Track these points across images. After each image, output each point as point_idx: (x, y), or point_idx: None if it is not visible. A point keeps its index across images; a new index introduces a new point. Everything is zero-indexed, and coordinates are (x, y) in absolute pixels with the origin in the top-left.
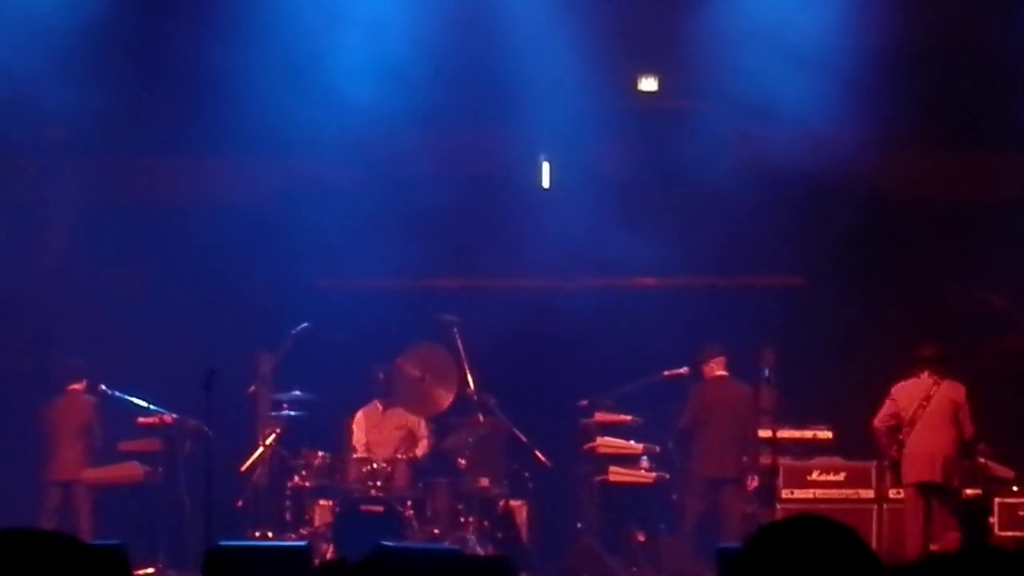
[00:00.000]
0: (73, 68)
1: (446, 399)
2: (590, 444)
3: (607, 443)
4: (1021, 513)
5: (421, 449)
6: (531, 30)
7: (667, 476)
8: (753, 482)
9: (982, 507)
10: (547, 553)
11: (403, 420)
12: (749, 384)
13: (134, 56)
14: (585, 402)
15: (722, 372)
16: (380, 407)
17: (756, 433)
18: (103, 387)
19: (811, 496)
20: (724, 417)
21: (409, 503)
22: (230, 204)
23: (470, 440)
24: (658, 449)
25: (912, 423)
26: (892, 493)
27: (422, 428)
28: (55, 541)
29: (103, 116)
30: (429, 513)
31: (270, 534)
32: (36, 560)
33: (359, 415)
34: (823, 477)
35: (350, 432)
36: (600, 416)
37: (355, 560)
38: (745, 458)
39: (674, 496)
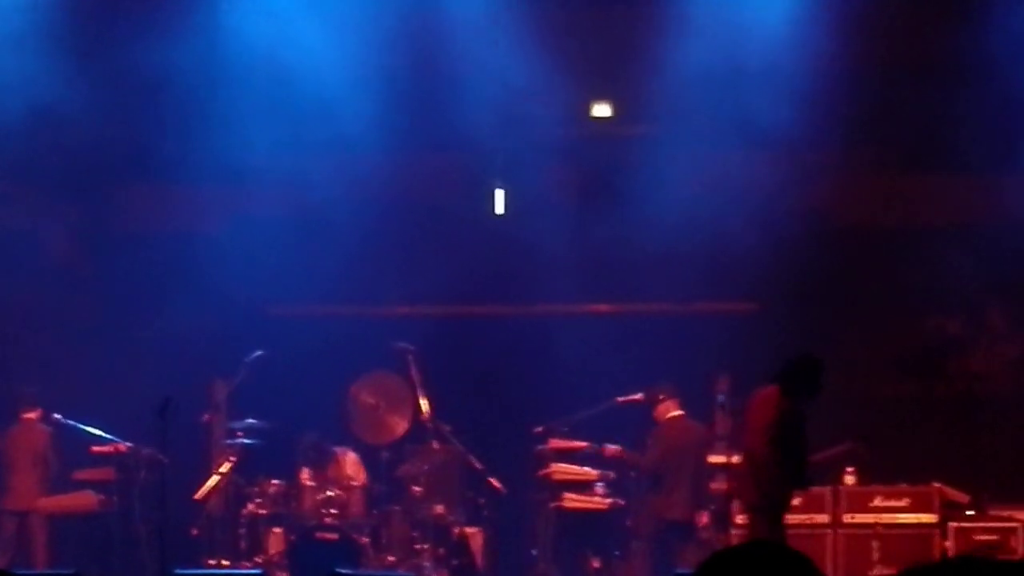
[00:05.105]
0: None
1: (401, 426)
2: (545, 471)
3: (562, 470)
4: (976, 537)
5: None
6: (485, 56)
7: (622, 502)
8: (703, 519)
9: None
10: None
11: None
12: (702, 421)
13: (91, 83)
14: (540, 429)
15: (677, 412)
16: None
17: (708, 472)
18: (57, 416)
19: None
20: (688, 462)
21: (364, 531)
22: (183, 231)
23: (425, 467)
24: (612, 475)
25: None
26: (847, 518)
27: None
28: None
29: (55, 146)
30: (384, 541)
31: (225, 562)
32: None
33: None
34: None
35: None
36: (555, 443)
37: None
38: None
39: (628, 522)
